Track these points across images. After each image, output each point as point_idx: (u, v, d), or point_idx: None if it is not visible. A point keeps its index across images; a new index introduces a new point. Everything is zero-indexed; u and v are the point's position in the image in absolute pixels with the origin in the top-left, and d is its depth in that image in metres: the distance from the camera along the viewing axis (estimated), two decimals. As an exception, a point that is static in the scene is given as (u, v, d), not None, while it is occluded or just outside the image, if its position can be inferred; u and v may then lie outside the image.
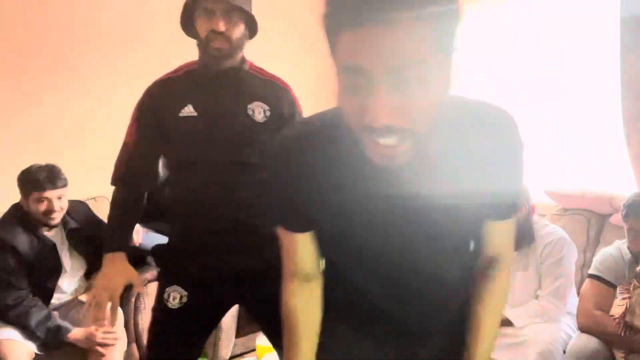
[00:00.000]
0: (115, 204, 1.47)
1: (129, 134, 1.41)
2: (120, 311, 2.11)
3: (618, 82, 2.44)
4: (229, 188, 1.34)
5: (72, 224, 2.15)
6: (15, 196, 2.06)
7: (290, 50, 3.51)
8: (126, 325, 2.14)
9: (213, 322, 1.53)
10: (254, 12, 1.39)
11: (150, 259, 2.27)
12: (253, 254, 1.35)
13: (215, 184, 1.34)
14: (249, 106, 1.37)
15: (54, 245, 2.06)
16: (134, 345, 2.24)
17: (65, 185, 2.04)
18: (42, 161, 2.06)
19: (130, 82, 3.01)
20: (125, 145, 1.43)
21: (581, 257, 2.46)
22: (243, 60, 1.41)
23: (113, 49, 2.96)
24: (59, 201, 2.02)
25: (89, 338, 1.92)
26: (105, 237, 1.41)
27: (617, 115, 2.48)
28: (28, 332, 1.91)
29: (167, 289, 1.39)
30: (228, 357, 2.53)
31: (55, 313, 2.08)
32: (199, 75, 1.39)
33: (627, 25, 2.36)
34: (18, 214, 2.03)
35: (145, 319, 2.24)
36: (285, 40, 3.56)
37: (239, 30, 1.34)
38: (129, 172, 1.44)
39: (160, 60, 3.10)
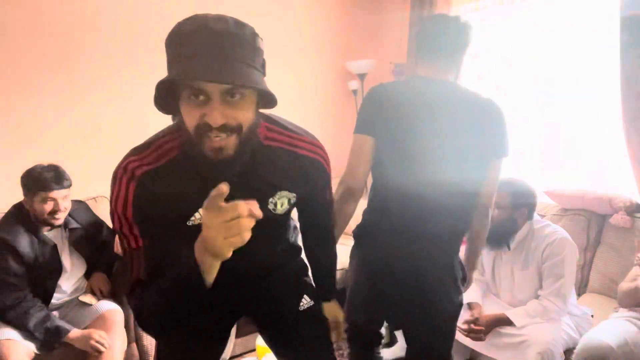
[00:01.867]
0: (153, 294, 1.01)
1: (133, 240, 1.02)
2: (120, 311, 2.12)
3: (618, 82, 2.44)
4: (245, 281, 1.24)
5: (73, 224, 2.16)
6: (16, 196, 2.05)
7: (289, 51, 3.51)
8: (126, 325, 2.14)
9: (222, 337, 1.40)
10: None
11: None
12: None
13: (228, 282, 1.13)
14: (271, 200, 1.13)
15: (55, 245, 2.06)
16: (134, 345, 2.24)
17: (70, 185, 2.05)
18: (42, 161, 2.06)
19: (130, 83, 3.02)
20: (133, 253, 1.03)
21: (581, 258, 2.46)
22: (256, 136, 1.02)
23: (113, 50, 2.96)
24: (63, 201, 2.02)
25: (87, 339, 1.92)
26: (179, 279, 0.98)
27: (617, 115, 2.48)
28: (27, 333, 1.90)
29: None
30: (228, 357, 2.53)
31: (55, 313, 2.08)
32: (194, 169, 0.99)
33: (627, 25, 2.36)
34: (19, 214, 2.02)
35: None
36: (284, 40, 3.56)
37: (249, 115, 0.96)
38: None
39: (159, 60, 3.11)
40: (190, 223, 1.06)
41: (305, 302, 1.37)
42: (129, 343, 2.17)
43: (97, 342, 1.92)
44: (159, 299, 0.95)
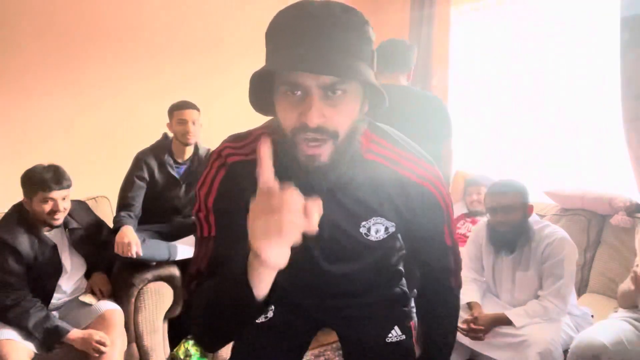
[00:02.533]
0: (208, 291, 0.92)
1: (207, 227, 0.96)
2: (120, 311, 2.12)
3: (618, 82, 2.44)
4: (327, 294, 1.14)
5: (73, 224, 2.16)
6: (16, 196, 2.05)
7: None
8: (126, 326, 2.14)
9: (302, 342, 1.27)
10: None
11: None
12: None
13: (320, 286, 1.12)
14: (364, 223, 0.99)
15: (55, 245, 2.06)
16: (134, 345, 2.24)
17: (70, 185, 2.05)
18: (42, 161, 2.06)
19: (132, 83, 3.02)
20: (204, 240, 0.97)
21: (581, 258, 2.46)
22: (358, 145, 0.89)
23: (115, 50, 2.96)
24: (63, 202, 2.02)
25: (87, 340, 1.92)
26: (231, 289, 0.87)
27: (617, 115, 2.48)
28: (26, 333, 1.90)
29: None
30: (228, 357, 2.53)
31: (55, 313, 2.08)
32: (285, 172, 0.80)
33: (627, 25, 2.36)
34: (19, 214, 2.02)
35: (145, 319, 2.24)
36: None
37: (352, 116, 0.83)
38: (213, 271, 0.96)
39: (159, 61, 3.11)
40: None
41: (395, 334, 1.20)
42: (129, 343, 2.17)
43: (98, 343, 1.92)
44: (204, 305, 0.85)
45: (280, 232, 0.66)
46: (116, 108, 3.00)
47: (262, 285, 0.75)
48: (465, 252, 2.25)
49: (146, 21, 3.06)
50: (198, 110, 2.41)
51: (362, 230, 0.99)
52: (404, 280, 1.26)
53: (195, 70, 3.23)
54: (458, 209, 3.00)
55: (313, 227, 0.68)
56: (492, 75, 3.21)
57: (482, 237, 2.18)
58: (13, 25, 2.66)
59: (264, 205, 0.68)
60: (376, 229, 1.00)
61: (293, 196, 0.67)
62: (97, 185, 2.69)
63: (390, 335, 1.19)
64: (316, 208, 0.68)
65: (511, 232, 2.02)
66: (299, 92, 0.79)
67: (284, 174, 0.76)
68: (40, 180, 1.96)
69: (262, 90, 0.85)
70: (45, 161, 2.07)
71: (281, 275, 0.83)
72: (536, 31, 2.96)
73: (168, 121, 2.43)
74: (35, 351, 1.92)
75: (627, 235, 2.37)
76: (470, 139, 3.40)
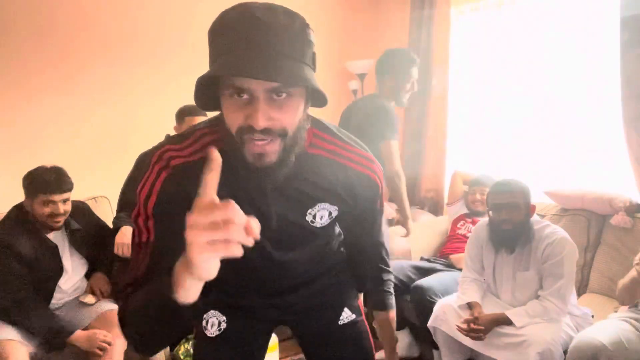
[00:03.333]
0: (140, 297, 0.94)
1: (145, 232, 0.94)
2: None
3: (618, 82, 2.44)
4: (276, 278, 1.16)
5: (74, 225, 2.15)
6: (16, 197, 2.05)
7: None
8: (126, 326, 2.14)
9: (259, 346, 1.28)
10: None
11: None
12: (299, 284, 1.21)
13: (267, 280, 1.16)
14: (309, 211, 1.03)
15: (56, 246, 2.06)
16: (134, 346, 2.24)
17: (71, 188, 2.04)
18: (42, 162, 2.06)
19: (131, 84, 3.02)
20: (141, 246, 0.95)
21: (581, 258, 2.46)
22: (302, 142, 0.92)
23: (115, 52, 2.96)
24: (64, 205, 2.02)
25: (91, 340, 1.92)
26: (158, 296, 0.87)
27: (617, 115, 2.48)
28: (29, 333, 1.91)
29: (204, 316, 1.19)
30: None
31: (56, 313, 2.08)
32: (230, 171, 0.80)
33: (627, 25, 2.36)
34: (20, 215, 2.02)
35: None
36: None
37: (297, 116, 0.86)
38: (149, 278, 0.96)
39: (160, 61, 3.11)
40: None
41: (346, 315, 1.25)
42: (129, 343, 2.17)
43: (102, 341, 1.92)
44: (137, 308, 0.86)
45: (225, 249, 0.67)
46: (117, 109, 3.00)
47: (191, 291, 0.75)
48: (466, 252, 2.26)
49: (148, 23, 3.06)
50: (207, 116, 2.40)
51: (309, 217, 1.03)
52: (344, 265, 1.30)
53: (196, 72, 3.23)
54: (458, 209, 3.00)
55: (251, 242, 0.68)
56: (492, 75, 3.21)
57: (483, 237, 2.18)
58: (14, 27, 2.66)
59: (205, 221, 0.66)
60: (321, 215, 1.04)
61: (237, 213, 0.66)
62: (97, 185, 2.69)
63: (341, 317, 1.24)
64: (256, 225, 0.68)
65: (513, 231, 2.02)
66: (245, 96, 0.81)
67: (230, 172, 0.79)
68: (42, 182, 1.96)
69: (206, 88, 0.86)
70: (45, 162, 2.06)
71: (235, 273, 0.95)
72: (536, 31, 2.96)
73: (173, 123, 2.42)
74: (36, 351, 1.92)
75: (627, 235, 2.37)
76: (470, 139, 3.40)
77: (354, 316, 1.26)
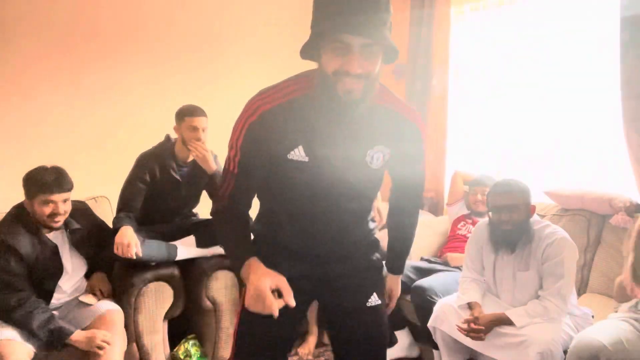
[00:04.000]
0: (227, 233, 1.29)
1: (232, 161, 1.23)
2: (120, 311, 2.12)
3: (618, 82, 2.44)
4: (329, 238, 1.33)
5: (74, 225, 2.15)
6: (16, 197, 2.05)
7: (289, 51, 3.51)
8: (126, 326, 2.14)
9: (297, 320, 1.47)
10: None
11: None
12: (340, 260, 1.37)
13: (316, 233, 1.31)
14: (369, 152, 1.24)
15: (56, 246, 2.06)
16: (134, 345, 2.24)
17: (71, 188, 2.04)
18: (42, 161, 2.06)
19: (131, 84, 3.02)
20: (229, 174, 1.25)
21: (581, 258, 2.46)
22: (373, 92, 1.18)
23: (114, 52, 2.96)
24: (64, 204, 2.02)
25: (90, 340, 1.92)
26: (232, 257, 1.29)
27: (617, 115, 2.48)
28: (30, 334, 1.90)
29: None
30: (228, 357, 2.53)
31: (55, 313, 2.07)
32: (313, 104, 1.18)
33: (627, 25, 2.36)
34: (20, 215, 2.02)
35: (145, 319, 2.24)
36: (284, 40, 3.56)
37: (376, 67, 1.13)
38: (234, 205, 1.28)
39: (160, 61, 3.11)
40: (290, 157, 1.21)
41: (374, 299, 1.40)
42: (129, 343, 2.17)
43: (102, 341, 1.92)
44: (220, 238, 1.36)
45: (262, 308, 1.11)
46: (117, 108, 3.00)
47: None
48: (466, 252, 2.26)
49: (147, 22, 3.06)
50: (206, 117, 2.39)
51: (367, 158, 1.25)
52: (380, 249, 1.47)
53: (197, 72, 3.23)
54: (458, 210, 3.00)
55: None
56: (492, 75, 3.21)
57: (483, 237, 2.18)
58: (13, 26, 2.66)
59: (256, 301, 1.13)
60: (377, 157, 1.26)
61: (274, 303, 1.10)
62: (97, 185, 2.69)
63: (370, 300, 1.40)
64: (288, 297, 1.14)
65: (514, 231, 2.02)
66: (344, 48, 1.07)
67: (305, 119, 1.18)
68: (42, 182, 1.96)
69: (312, 45, 1.12)
70: (45, 162, 2.06)
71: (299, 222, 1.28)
72: (536, 31, 2.97)
73: (173, 123, 2.41)
74: (36, 351, 1.92)
75: (627, 235, 2.37)
76: (470, 139, 3.41)
77: (379, 301, 1.41)
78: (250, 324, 1.33)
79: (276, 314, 1.09)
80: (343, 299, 1.39)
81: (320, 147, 1.20)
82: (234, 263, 1.23)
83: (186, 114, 2.34)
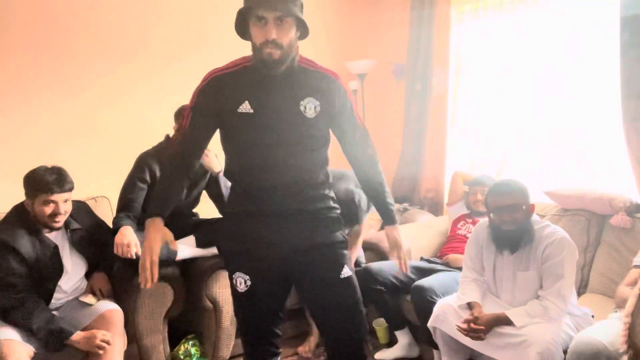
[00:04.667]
0: (164, 176, 1.64)
1: (185, 119, 1.56)
2: (120, 311, 2.12)
3: (618, 82, 2.44)
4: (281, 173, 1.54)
5: (74, 225, 2.15)
6: (17, 197, 2.05)
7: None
8: (126, 326, 2.14)
9: (283, 295, 1.69)
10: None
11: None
12: (305, 234, 1.57)
13: (269, 188, 1.55)
14: (302, 102, 1.50)
15: (56, 246, 2.06)
16: (134, 345, 2.24)
17: (72, 188, 2.04)
18: (42, 161, 2.06)
19: (130, 83, 3.02)
20: (179, 129, 1.61)
21: (581, 258, 2.46)
22: (295, 57, 1.49)
23: (112, 50, 2.96)
24: (64, 204, 2.02)
25: (90, 340, 1.92)
26: (151, 205, 1.61)
27: (617, 115, 2.48)
28: (29, 334, 1.90)
29: (233, 276, 1.62)
30: (228, 357, 2.53)
31: (55, 313, 2.07)
32: (254, 72, 1.49)
33: (627, 25, 2.37)
34: (20, 215, 2.02)
35: (145, 319, 2.24)
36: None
37: (290, 36, 1.43)
38: (180, 151, 1.58)
39: (161, 62, 3.11)
40: (239, 110, 1.48)
41: (346, 271, 1.60)
42: (129, 343, 2.17)
43: (102, 341, 1.92)
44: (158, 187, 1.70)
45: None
46: (117, 108, 3.00)
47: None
48: (466, 252, 2.26)
49: (148, 22, 3.06)
50: None
51: (301, 108, 1.50)
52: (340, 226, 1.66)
53: (197, 72, 3.22)
54: (458, 210, 3.00)
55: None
56: (492, 75, 3.21)
57: (483, 237, 2.18)
58: (14, 27, 2.66)
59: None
60: (310, 107, 1.50)
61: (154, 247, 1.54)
62: (97, 185, 2.69)
63: (342, 272, 1.59)
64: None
65: (515, 231, 2.02)
66: (263, 21, 1.39)
67: (246, 82, 1.50)
68: (43, 182, 1.96)
69: (240, 20, 1.46)
70: (46, 162, 2.06)
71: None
72: (536, 31, 2.97)
73: (171, 123, 2.42)
74: (36, 351, 1.92)
75: (627, 235, 2.37)
76: (470, 139, 3.41)
77: (351, 273, 1.62)
78: (241, 303, 1.64)
79: (156, 256, 1.50)
80: (318, 274, 1.59)
81: (262, 100, 1.48)
82: (145, 215, 1.58)
83: None
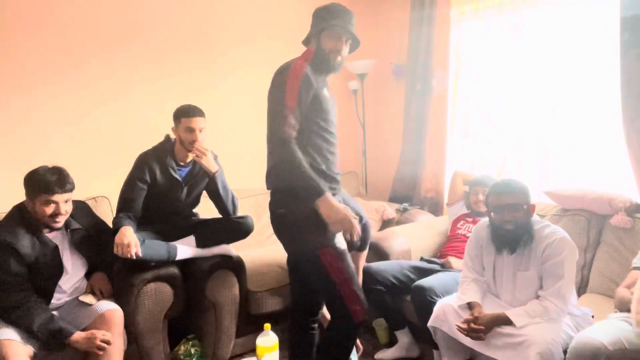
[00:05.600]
0: (298, 160, 1.79)
1: (291, 99, 1.80)
2: (120, 311, 2.12)
3: (618, 82, 2.44)
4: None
5: (74, 225, 2.15)
6: (16, 197, 2.05)
7: (289, 51, 3.51)
8: (126, 326, 2.14)
9: None
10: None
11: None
12: None
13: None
14: (330, 92, 2.03)
15: (56, 246, 2.06)
16: (134, 345, 2.24)
17: (72, 188, 2.04)
18: (43, 162, 2.06)
19: (131, 83, 3.02)
20: (286, 108, 1.80)
21: (581, 258, 2.46)
22: None
23: (114, 51, 2.96)
24: (65, 205, 2.02)
25: (90, 340, 1.92)
26: (311, 187, 1.77)
27: (617, 115, 2.48)
28: (29, 334, 1.90)
29: (335, 241, 1.86)
30: (228, 357, 2.53)
31: (55, 313, 2.07)
32: (321, 67, 1.94)
33: (627, 25, 2.37)
34: (20, 215, 2.02)
35: (145, 319, 2.24)
36: (284, 40, 3.56)
37: (347, 47, 1.99)
38: (292, 132, 1.81)
39: (161, 61, 3.11)
40: (324, 93, 1.94)
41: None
42: (129, 343, 2.17)
43: (102, 341, 1.92)
44: (298, 169, 1.85)
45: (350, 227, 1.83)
46: (117, 108, 3.00)
47: None
48: (466, 252, 2.26)
49: (148, 22, 3.06)
50: (204, 116, 2.38)
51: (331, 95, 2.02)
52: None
53: (197, 72, 3.23)
54: (458, 210, 3.00)
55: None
56: (492, 75, 3.21)
57: (483, 237, 2.18)
58: (13, 26, 2.66)
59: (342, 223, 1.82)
60: (331, 95, 2.01)
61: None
62: (97, 185, 2.70)
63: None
64: None
65: (516, 231, 2.02)
66: (337, 37, 1.92)
67: (320, 69, 1.94)
68: (44, 182, 1.96)
69: (313, 34, 1.97)
70: (46, 162, 2.06)
71: None
72: (536, 31, 2.97)
73: (171, 123, 2.42)
74: (36, 351, 1.92)
75: (627, 235, 2.37)
76: (470, 139, 3.41)
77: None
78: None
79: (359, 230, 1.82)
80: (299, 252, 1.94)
81: (326, 86, 1.97)
82: (311, 194, 1.77)
83: (183, 114, 2.34)
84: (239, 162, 2.60)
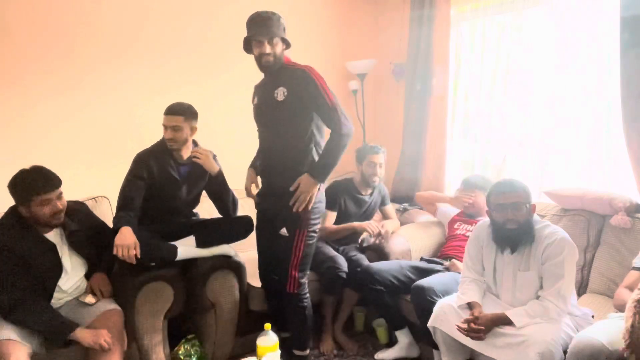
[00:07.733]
0: (336, 150, 2.13)
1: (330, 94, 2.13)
2: (120, 311, 2.12)
3: (618, 82, 2.44)
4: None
5: (73, 226, 2.15)
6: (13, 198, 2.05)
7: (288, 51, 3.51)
8: (126, 325, 2.14)
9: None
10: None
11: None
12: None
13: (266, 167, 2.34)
14: (275, 91, 2.17)
15: (54, 245, 2.06)
16: (134, 345, 2.24)
17: (60, 183, 2.03)
18: (43, 162, 2.05)
19: (129, 84, 3.02)
20: (334, 101, 2.14)
21: (581, 258, 2.46)
22: (282, 61, 2.20)
23: (113, 52, 2.96)
24: (59, 200, 2.02)
25: (96, 336, 1.92)
26: (327, 168, 2.16)
27: (617, 115, 2.48)
28: (33, 331, 1.90)
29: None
30: (228, 357, 2.53)
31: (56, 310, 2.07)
32: (262, 75, 2.26)
33: (627, 25, 2.37)
34: (17, 215, 2.02)
35: (145, 319, 2.24)
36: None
37: (279, 48, 2.16)
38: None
39: (159, 60, 3.11)
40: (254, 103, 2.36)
41: (283, 231, 2.24)
42: (129, 343, 2.17)
43: (106, 341, 1.93)
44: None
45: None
46: (116, 108, 3.00)
47: None
48: (466, 252, 2.26)
49: (146, 21, 3.06)
50: (183, 115, 2.35)
51: (274, 95, 2.17)
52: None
53: (195, 70, 3.23)
54: (444, 213, 3.05)
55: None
56: (492, 75, 3.21)
57: (483, 237, 2.18)
58: (14, 27, 2.66)
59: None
60: (278, 93, 2.16)
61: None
62: (97, 185, 2.69)
63: (282, 230, 2.25)
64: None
65: (517, 230, 2.02)
66: (259, 42, 2.12)
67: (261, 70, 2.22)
68: (31, 185, 1.95)
69: (246, 43, 2.20)
70: (46, 162, 2.06)
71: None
72: (536, 31, 2.97)
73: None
74: (36, 351, 1.92)
75: (627, 235, 2.37)
76: (470, 139, 3.40)
77: (287, 234, 2.23)
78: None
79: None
80: (274, 228, 2.26)
81: (260, 93, 2.31)
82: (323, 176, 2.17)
83: (165, 112, 2.35)
84: (239, 162, 2.59)
